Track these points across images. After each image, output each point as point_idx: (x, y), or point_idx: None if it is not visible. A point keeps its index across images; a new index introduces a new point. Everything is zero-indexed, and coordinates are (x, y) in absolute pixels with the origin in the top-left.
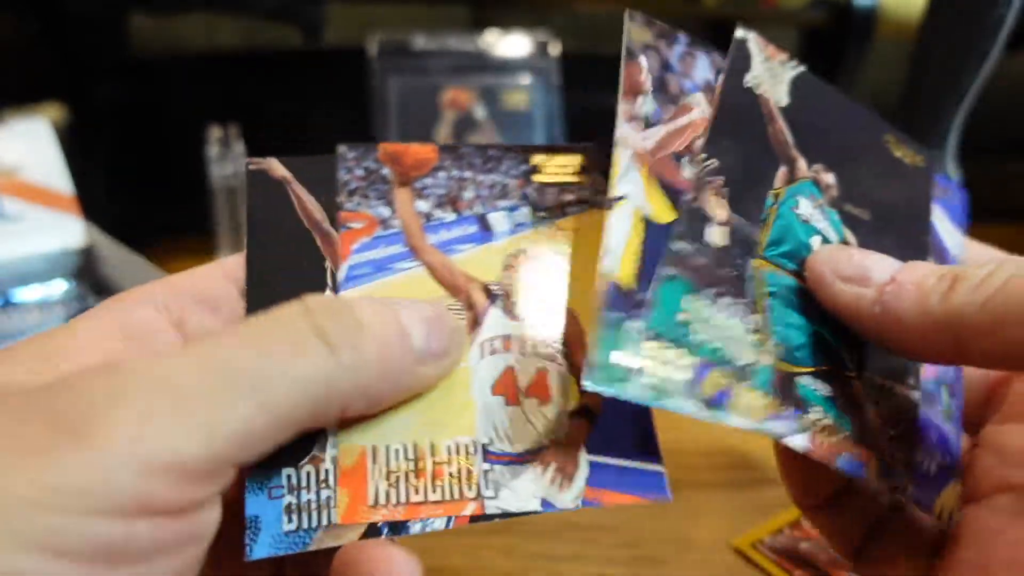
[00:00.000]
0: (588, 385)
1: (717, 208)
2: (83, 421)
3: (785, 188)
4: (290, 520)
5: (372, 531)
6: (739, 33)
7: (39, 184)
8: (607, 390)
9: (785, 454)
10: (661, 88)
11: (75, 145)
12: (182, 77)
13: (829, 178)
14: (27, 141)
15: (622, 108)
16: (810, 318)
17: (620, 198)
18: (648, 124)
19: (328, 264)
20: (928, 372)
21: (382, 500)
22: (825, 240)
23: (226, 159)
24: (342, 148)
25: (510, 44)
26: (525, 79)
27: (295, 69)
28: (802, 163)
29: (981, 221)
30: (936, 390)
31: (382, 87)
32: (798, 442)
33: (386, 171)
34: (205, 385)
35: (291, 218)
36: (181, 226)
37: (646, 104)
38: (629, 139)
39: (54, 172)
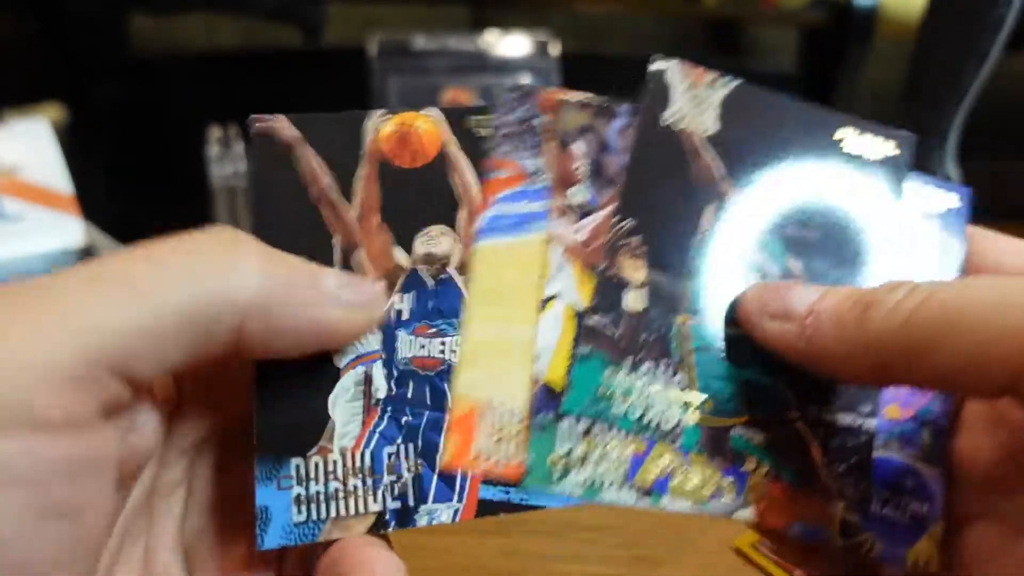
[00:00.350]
0: (525, 487)
1: (633, 271)
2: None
3: (713, 226)
4: (299, 511)
5: (380, 523)
6: (655, 65)
7: (39, 184)
8: (543, 490)
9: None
10: (597, 172)
11: (75, 145)
12: (182, 77)
13: (764, 200)
14: (27, 141)
15: (553, 204)
16: (742, 365)
17: (551, 298)
18: (584, 213)
19: (336, 240)
20: (906, 411)
21: (484, 456)
22: (764, 276)
23: (226, 159)
24: (503, 91)
25: (510, 44)
26: (525, 79)
27: (295, 69)
28: (734, 192)
29: (981, 221)
30: (915, 430)
31: (382, 87)
32: (744, 516)
33: (540, 121)
34: (82, 291)
35: (299, 187)
36: (181, 226)
37: (579, 193)
38: (560, 235)
39: (54, 172)
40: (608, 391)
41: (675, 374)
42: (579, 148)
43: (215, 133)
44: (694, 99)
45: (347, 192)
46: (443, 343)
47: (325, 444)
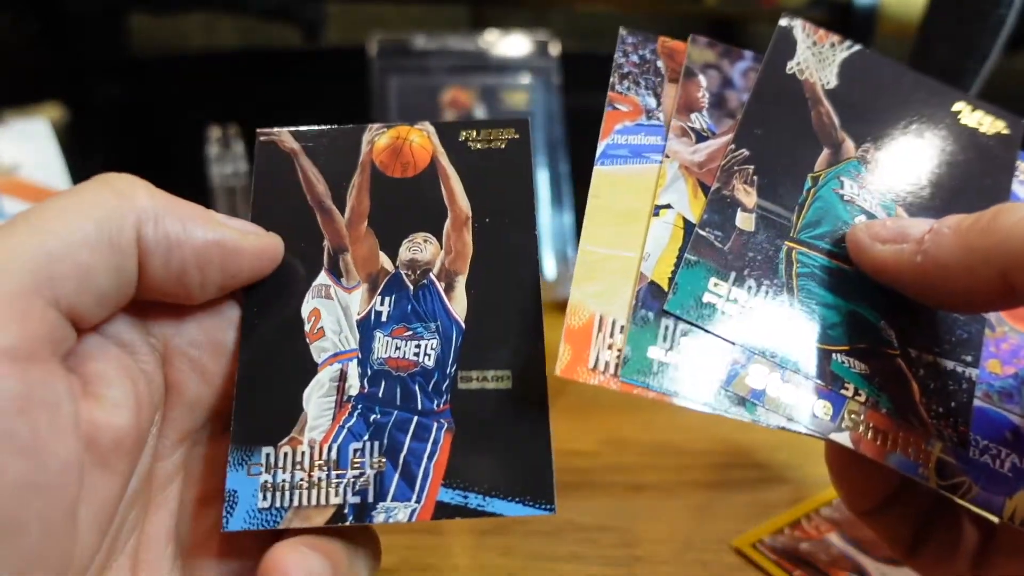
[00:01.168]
0: (622, 377)
1: (745, 195)
2: None
3: (826, 171)
4: (264, 498)
5: (338, 516)
6: (783, 21)
7: (39, 183)
8: (636, 381)
9: (837, 462)
10: (718, 104)
11: (75, 144)
12: (182, 77)
13: (879, 157)
14: (27, 141)
15: (673, 123)
16: (846, 297)
17: (665, 206)
18: (700, 138)
19: (326, 243)
20: (1007, 368)
21: (600, 367)
22: (869, 217)
23: (225, 158)
24: (623, 31)
25: (510, 44)
26: (525, 79)
27: (295, 69)
28: (849, 144)
29: None
30: (1016, 387)
31: (382, 87)
32: (839, 438)
33: (660, 64)
34: None
35: (296, 193)
36: None
37: (699, 120)
38: (678, 152)
39: (54, 172)
40: (713, 299)
41: (778, 294)
42: (703, 80)
43: (214, 133)
44: (817, 54)
45: (341, 199)
46: (418, 345)
47: (296, 435)
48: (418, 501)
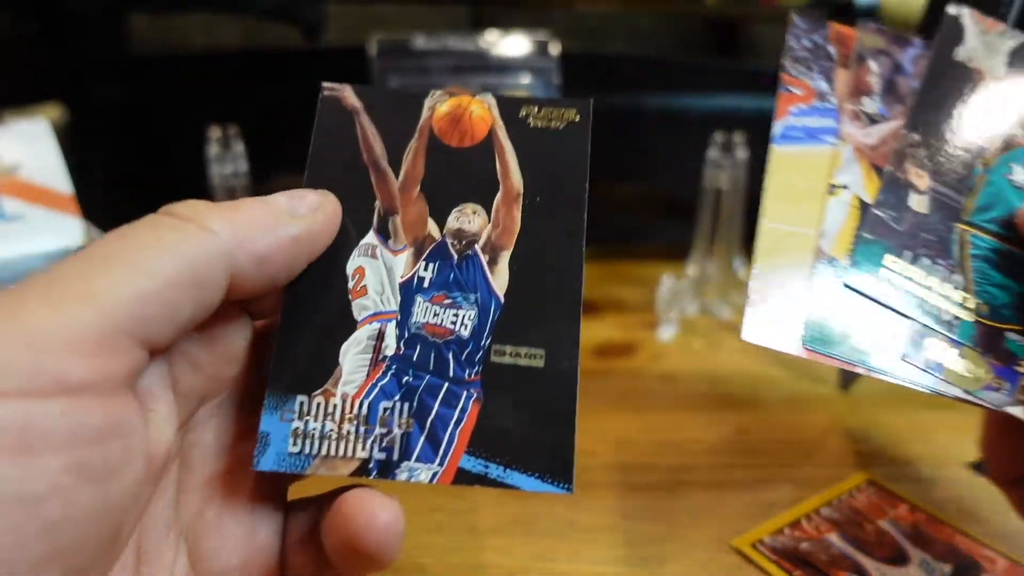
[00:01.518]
0: (806, 344)
1: (917, 177)
2: None
3: (997, 156)
4: (295, 443)
5: (363, 470)
6: (951, 9)
7: (39, 184)
8: (820, 350)
9: (994, 432)
10: (889, 89)
11: (74, 144)
12: (181, 76)
13: None
14: (27, 141)
15: (847, 107)
16: (1017, 279)
17: (841, 186)
18: (872, 121)
19: (377, 204)
20: None
21: (784, 335)
22: None
23: (226, 159)
24: (795, 16)
25: (510, 44)
26: (525, 79)
27: (295, 69)
28: (1019, 132)
29: None
30: None
31: (381, 87)
32: (1017, 411)
33: (832, 49)
34: (86, 272)
35: (353, 151)
36: None
37: (871, 104)
38: (851, 135)
39: (54, 172)
40: (889, 275)
41: (952, 273)
42: (874, 66)
43: (214, 133)
44: (986, 44)
45: (396, 161)
46: (456, 315)
47: (330, 388)
48: (440, 464)
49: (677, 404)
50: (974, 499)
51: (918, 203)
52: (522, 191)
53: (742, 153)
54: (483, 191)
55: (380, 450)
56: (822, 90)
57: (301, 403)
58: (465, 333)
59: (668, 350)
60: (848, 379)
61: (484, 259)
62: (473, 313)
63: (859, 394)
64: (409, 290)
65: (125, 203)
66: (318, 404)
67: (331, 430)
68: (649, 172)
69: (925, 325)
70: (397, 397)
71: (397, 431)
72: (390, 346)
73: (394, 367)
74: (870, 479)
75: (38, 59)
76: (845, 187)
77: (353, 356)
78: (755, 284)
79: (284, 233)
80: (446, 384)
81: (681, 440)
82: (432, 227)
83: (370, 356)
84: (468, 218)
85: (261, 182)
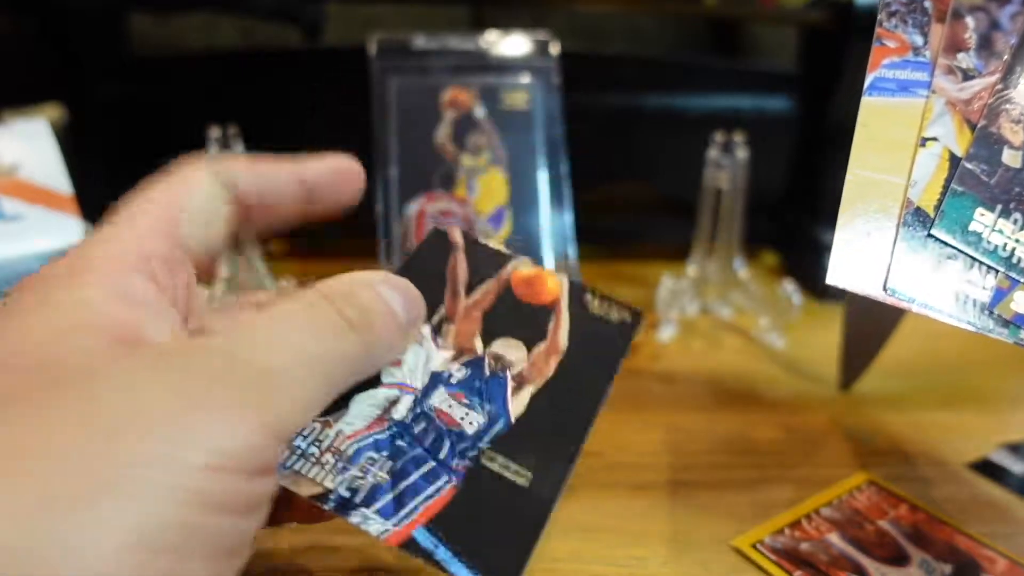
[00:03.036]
0: (889, 291)
1: (1011, 133)
2: (229, 400)
3: None
4: (282, 452)
5: (322, 498)
6: None
7: (38, 184)
8: (903, 296)
9: None
10: (985, 44)
11: (74, 144)
12: (182, 76)
13: None
14: (26, 141)
15: (941, 61)
16: None
17: (931, 139)
18: (967, 77)
19: (442, 309)
20: None
21: (867, 280)
22: None
23: None
24: None
25: (510, 44)
26: (525, 79)
27: (295, 69)
28: None
29: None
30: None
31: (382, 87)
32: None
33: (928, 4)
34: (289, 368)
35: (441, 268)
36: None
37: (966, 59)
38: (945, 89)
39: (53, 172)
40: (979, 227)
41: None
42: (970, 21)
43: (214, 133)
44: None
45: (471, 289)
46: (467, 414)
47: (331, 420)
48: (396, 525)
49: (677, 404)
50: (975, 499)
51: (1011, 158)
52: (563, 351)
53: (742, 153)
54: (531, 337)
55: (347, 488)
56: (916, 44)
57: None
58: (468, 431)
59: (668, 350)
60: (848, 379)
61: (511, 384)
62: (482, 419)
63: (859, 394)
64: (437, 379)
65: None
66: (314, 428)
67: (313, 453)
68: (649, 172)
69: (1013, 278)
70: (385, 454)
71: (370, 479)
72: (400, 412)
73: (395, 430)
74: (870, 479)
75: (38, 58)
76: (936, 140)
77: (364, 406)
78: (841, 228)
79: (398, 350)
80: (433, 463)
81: (681, 440)
82: (478, 343)
83: (378, 412)
84: (511, 349)
85: None
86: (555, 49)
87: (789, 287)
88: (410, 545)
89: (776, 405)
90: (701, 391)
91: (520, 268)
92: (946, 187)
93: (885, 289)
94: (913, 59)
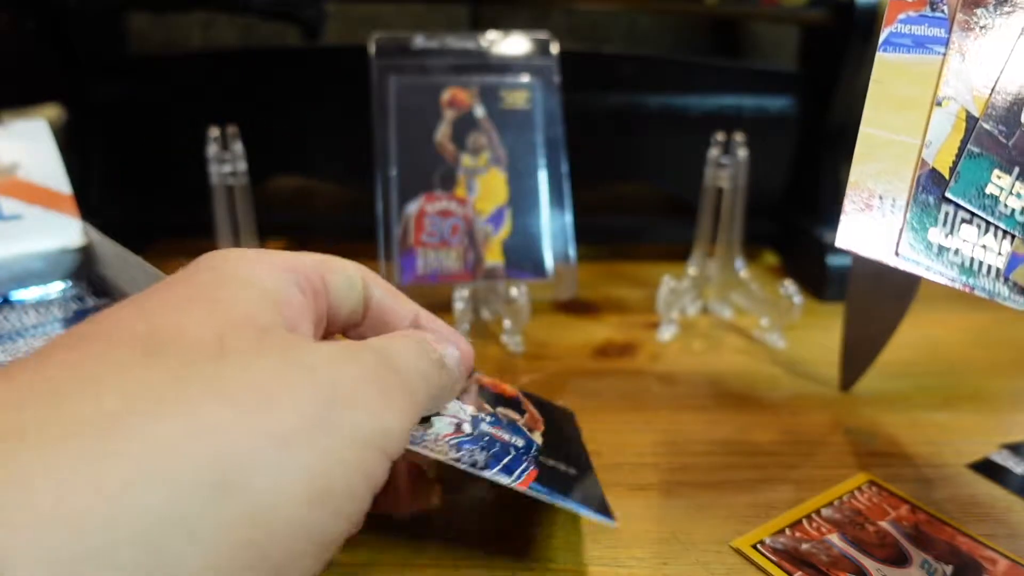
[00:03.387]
0: (901, 256)
1: None
2: (387, 391)
3: None
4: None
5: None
6: None
7: (37, 183)
8: (915, 261)
9: None
10: (1005, 1)
11: (73, 144)
12: (181, 76)
13: None
14: (25, 140)
15: (959, 17)
16: None
17: (947, 98)
18: (985, 33)
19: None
20: None
21: (878, 244)
22: None
23: (225, 159)
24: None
25: (510, 44)
26: (525, 79)
27: (295, 68)
28: None
29: None
30: None
31: (382, 86)
32: None
33: None
34: (413, 378)
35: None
36: (180, 226)
37: (985, 15)
38: (962, 45)
39: (52, 171)
40: (995, 190)
41: None
42: None
43: (213, 132)
44: None
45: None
46: (511, 437)
47: (426, 422)
48: (516, 480)
49: (677, 404)
50: (975, 499)
51: None
52: (540, 419)
53: (743, 152)
54: (518, 408)
55: (468, 461)
56: None
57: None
58: (519, 444)
59: (668, 350)
60: (849, 379)
61: (525, 429)
62: (521, 441)
63: (860, 394)
64: (476, 419)
65: (123, 202)
66: (418, 430)
67: (427, 443)
68: (649, 172)
69: None
70: (475, 447)
71: (480, 458)
72: (467, 429)
73: (469, 439)
74: (871, 479)
75: (37, 59)
76: (952, 99)
77: (442, 424)
78: (852, 189)
79: (451, 395)
80: (511, 455)
81: (681, 440)
82: (487, 407)
83: (453, 428)
84: (510, 412)
85: (260, 182)
86: (555, 48)
87: (790, 287)
88: (533, 490)
89: (776, 405)
90: (701, 391)
91: (481, 377)
92: (962, 148)
93: (897, 254)
94: (930, 14)
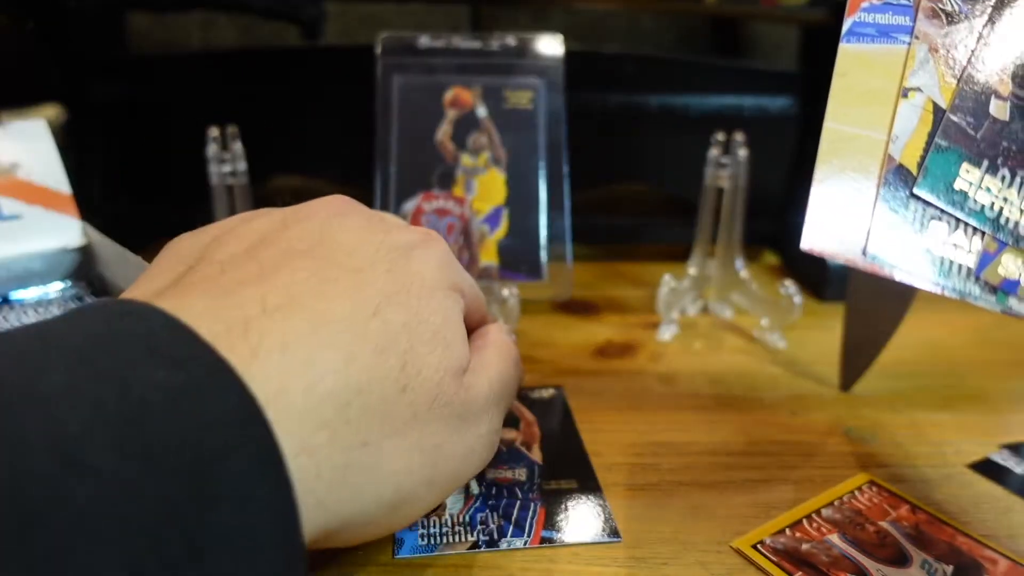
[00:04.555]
0: (869, 258)
1: (999, 83)
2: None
3: None
4: (422, 540)
5: (474, 546)
6: None
7: (37, 183)
8: (884, 262)
9: None
10: None
11: (72, 144)
12: (180, 75)
13: None
14: (25, 140)
15: (923, 4)
16: None
17: (914, 89)
18: (951, 21)
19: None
20: None
21: (845, 245)
22: None
23: (225, 159)
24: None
25: (514, 44)
26: (529, 79)
27: (294, 68)
28: None
29: None
30: None
31: (385, 85)
32: None
33: None
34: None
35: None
36: (180, 226)
37: (951, 1)
38: (928, 34)
39: (52, 171)
40: (964, 185)
41: None
42: None
43: (213, 132)
44: None
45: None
46: (513, 472)
47: (439, 511)
48: (529, 537)
49: (677, 404)
50: (976, 500)
51: (999, 109)
52: (534, 421)
53: (743, 152)
54: (510, 417)
55: (484, 535)
56: None
57: (423, 520)
58: (522, 479)
59: (668, 350)
60: (849, 379)
61: (523, 449)
62: (524, 472)
63: (860, 394)
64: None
65: (123, 202)
66: (434, 520)
67: (446, 531)
68: (649, 172)
69: (1001, 240)
70: (487, 511)
71: (493, 526)
72: (473, 488)
73: (481, 499)
74: (871, 480)
75: (36, 58)
76: (919, 90)
77: (454, 497)
78: (817, 189)
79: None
80: (519, 501)
81: (681, 440)
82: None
83: (463, 495)
84: (507, 434)
85: (260, 182)
86: (561, 48)
87: (790, 287)
88: (544, 540)
89: (776, 405)
90: (701, 391)
91: None
92: (929, 142)
93: (864, 255)
94: (895, 2)
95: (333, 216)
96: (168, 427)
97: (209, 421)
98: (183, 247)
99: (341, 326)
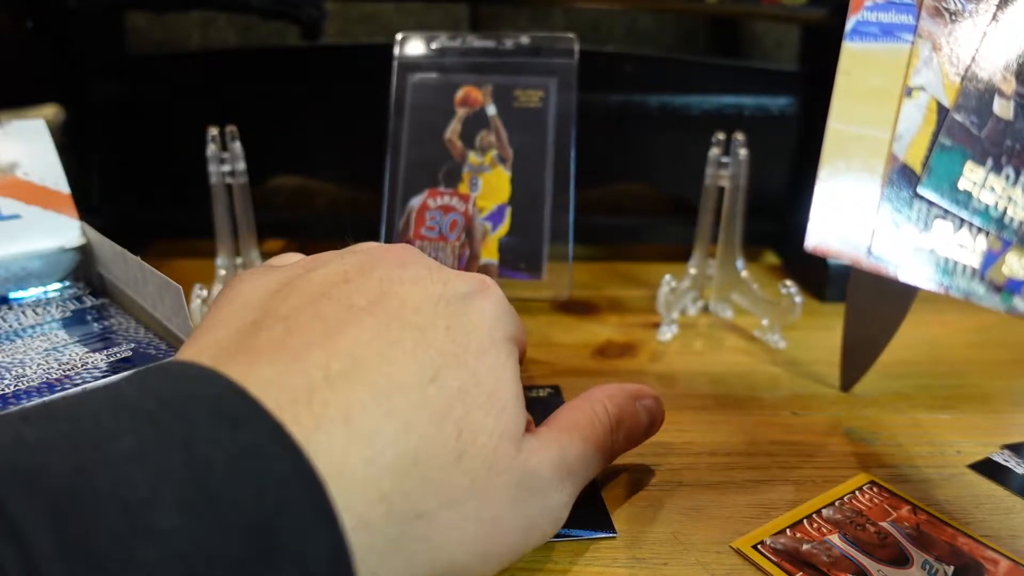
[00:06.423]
0: (872, 258)
1: (1003, 82)
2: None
3: None
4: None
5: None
6: None
7: (36, 183)
8: (887, 262)
9: None
10: None
11: (72, 144)
12: (180, 75)
13: None
14: (24, 140)
15: (927, 2)
16: None
17: (917, 88)
18: (955, 19)
19: None
20: None
21: (850, 245)
22: None
23: (224, 159)
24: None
25: (526, 43)
26: (540, 77)
27: (294, 67)
28: None
29: None
30: None
31: (400, 84)
32: None
33: None
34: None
35: None
36: (179, 226)
37: (954, 2)
38: (932, 33)
39: (51, 171)
40: (968, 185)
41: None
42: None
43: (213, 132)
44: None
45: None
46: None
47: None
48: None
49: (677, 404)
50: (977, 500)
51: (1003, 108)
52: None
53: (743, 152)
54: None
55: None
56: None
57: None
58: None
59: (668, 350)
60: (850, 380)
61: None
62: None
63: (861, 395)
64: None
65: (122, 202)
66: None
67: None
68: (650, 171)
69: (1005, 239)
70: None
71: None
72: None
73: None
74: (872, 480)
75: (36, 58)
76: (922, 89)
77: None
78: (821, 188)
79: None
80: None
81: (681, 440)
82: None
83: None
84: None
85: (260, 182)
86: (576, 49)
87: (790, 287)
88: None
89: (777, 405)
90: (701, 391)
91: None
92: (933, 141)
93: (869, 254)
94: (898, 0)
95: (393, 267)
96: (230, 485)
97: (270, 480)
98: (245, 294)
99: (401, 394)
